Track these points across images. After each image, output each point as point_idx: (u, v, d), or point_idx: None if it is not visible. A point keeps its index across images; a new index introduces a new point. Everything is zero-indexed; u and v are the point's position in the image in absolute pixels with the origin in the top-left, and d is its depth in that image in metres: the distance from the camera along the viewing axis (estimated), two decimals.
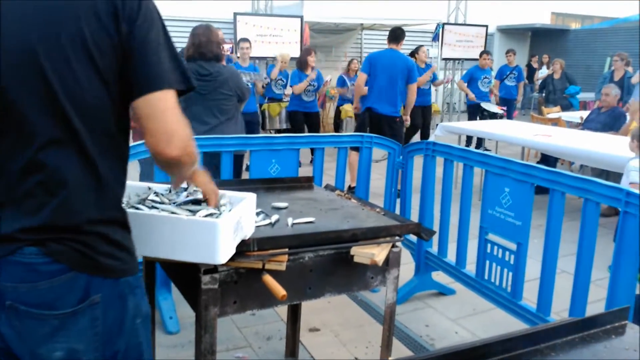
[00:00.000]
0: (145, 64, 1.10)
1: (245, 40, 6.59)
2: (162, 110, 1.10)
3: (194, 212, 1.44)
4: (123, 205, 1.21)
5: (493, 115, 7.47)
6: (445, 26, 10.10)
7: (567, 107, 8.31)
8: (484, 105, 7.78)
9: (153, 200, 1.49)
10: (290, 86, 6.94)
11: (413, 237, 3.28)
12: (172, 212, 1.43)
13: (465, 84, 8.14)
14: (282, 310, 2.89)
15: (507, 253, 2.70)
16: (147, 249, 1.45)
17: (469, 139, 7.71)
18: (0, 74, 1.05)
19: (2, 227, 1.09)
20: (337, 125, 8.76)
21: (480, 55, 8.27)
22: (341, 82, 8.02)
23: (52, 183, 1.09)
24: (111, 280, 1.15)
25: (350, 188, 5.19)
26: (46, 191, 1.09)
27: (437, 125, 6.44)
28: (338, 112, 8.69)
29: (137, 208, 1.44)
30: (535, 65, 12.39)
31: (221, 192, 1.56)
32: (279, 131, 7.22)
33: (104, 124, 1.12)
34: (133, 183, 1.61)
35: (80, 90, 1.08)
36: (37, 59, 1.05)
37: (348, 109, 7.99)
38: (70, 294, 1.12)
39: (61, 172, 1.09)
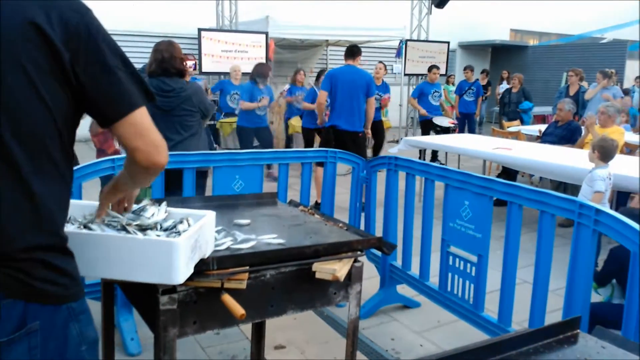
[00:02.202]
0: (110, 89, 1.12)
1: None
2: (146, 128, 1.17)
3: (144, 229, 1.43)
4: (73, 226, 1.17)
5: (445, 130, 7.61)
6: (408, 42, 10.31)
7: (519, 122, 8.57)
8: (436, 120, 7.91)
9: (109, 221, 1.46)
10: (241, 100, 6.73)
11: (378, 251, 3.31)
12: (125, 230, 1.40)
13: (416, 100, 8.27)
14: (247, 328, 2.85)
15: (469, 265, 2.74)
16: (104, 271, 1.41)
17: (422, 152, 7.78)
18: None
19: None
20: (289, 140, 8.67)
21: (430, 69, 8.41)
22: (290, 93, 7.93)
23: None
24: (51, 307, 1.11)
25: (317, 204, 5.20)
26: None
27: (401, 139, 6.54)
28: (287, 127, 8.63)
29: (91, 229, 1.40)
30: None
31: (173, 210, 1.55)
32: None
33: (46, 150, 1.09)
34: (89, 203, 1.58)
35: (21, 114, 1.05)
36: None
37: (295, 123, 7.90)
38: (6, 322, 1.06)
39: None
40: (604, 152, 3.88)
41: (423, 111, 8.11)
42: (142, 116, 1.16)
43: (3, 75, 1.02)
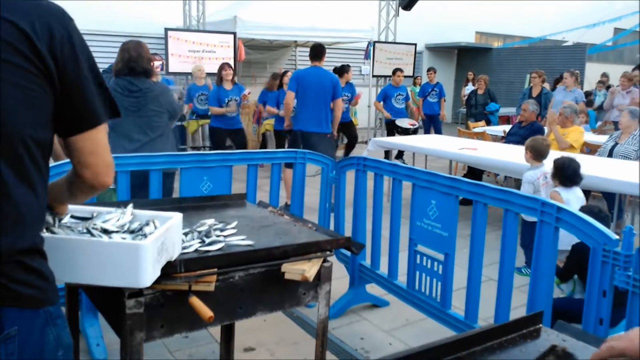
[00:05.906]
0: (82, 101, 1.11)
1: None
2: (103, 146, 1.16)
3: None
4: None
5: (405, 131, 7.82)
6: (376, 44, 10.40)
7: (486, 123, 8.77)
8: (397, 121, 8.17)
9: (71, 224, 1.42)
10: (209, 106, 6.76)
11: (348, 251, 3.32)
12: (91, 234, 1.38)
13: (381, 103, 8.43)
14: (216, 331, 2.83)
15: (436, 263, 2.78)
16: (68, 275, 1.38)
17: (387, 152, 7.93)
18: None
19: None
20: (264, 141, 8.67)
21: (394, 72, 8.53)
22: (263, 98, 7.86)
23: None
24: (29, 311, 1.08)
25: (287, 205, 5.20)
26: None
27: (370, 140, 6.60)
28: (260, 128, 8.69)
29: (54, 232, 1.37)
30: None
31: (139, 212, 1.53)
32: (196, 149, 7.09)
33: (25, 150, 1.07)
34: None
35: (4, 115, 1.02)
36: None
37: (268, 122, 8.02)
38: None
39: None
40: (536, 151, 3.99)
41: (387, 114, 8.33)
42: (101, 133, 1.15)
43: None
